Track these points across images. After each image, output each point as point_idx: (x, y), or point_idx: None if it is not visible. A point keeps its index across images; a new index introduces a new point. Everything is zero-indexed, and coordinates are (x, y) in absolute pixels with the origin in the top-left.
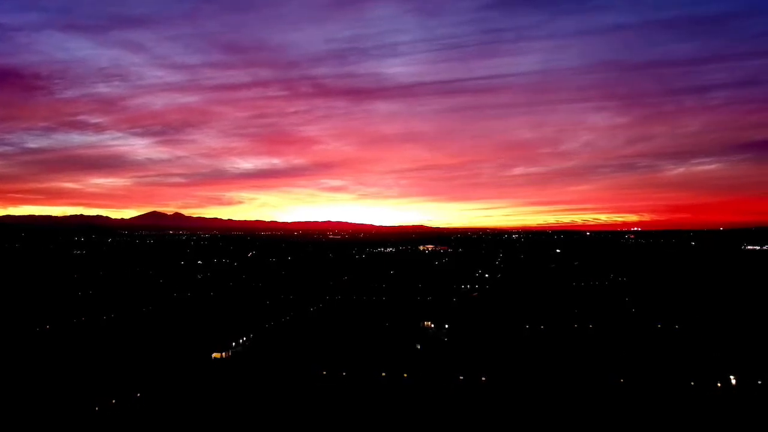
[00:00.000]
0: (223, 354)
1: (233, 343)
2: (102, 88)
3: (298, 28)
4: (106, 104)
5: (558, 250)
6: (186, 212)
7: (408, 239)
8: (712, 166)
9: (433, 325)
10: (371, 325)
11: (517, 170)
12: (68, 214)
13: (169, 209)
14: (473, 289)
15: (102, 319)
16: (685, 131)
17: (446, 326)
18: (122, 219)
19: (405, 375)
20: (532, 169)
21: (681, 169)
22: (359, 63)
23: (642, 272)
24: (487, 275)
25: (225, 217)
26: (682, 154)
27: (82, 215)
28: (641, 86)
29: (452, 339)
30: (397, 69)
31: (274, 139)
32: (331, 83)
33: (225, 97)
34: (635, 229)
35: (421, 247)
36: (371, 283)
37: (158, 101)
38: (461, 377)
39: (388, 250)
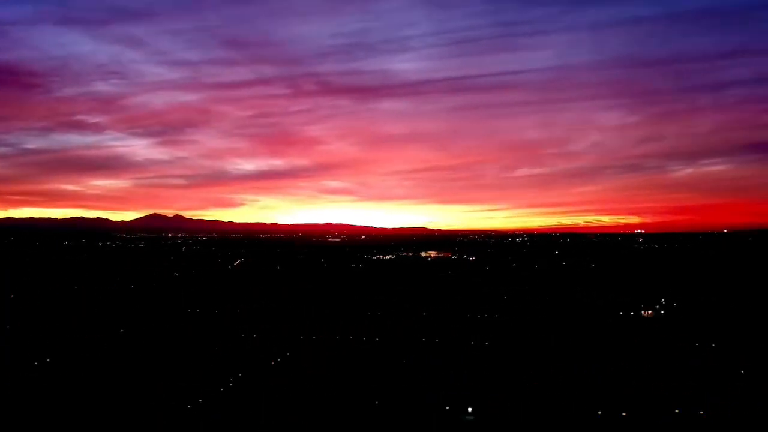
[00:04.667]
0: None
1: None
2: (101, 86)
3: (303, 22)
4: (105, 103)
5: (584, 260)
6: (186, 214)
7: (409, 242)
8: (720, 167)
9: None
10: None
11: (522, 171)
12: (68, 216)
13: (169, 211)
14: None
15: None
16: (697, 131)
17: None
18: (123, 221)
19: None
20: (536, 170)
21: (689, 170)
22: (366, 59)
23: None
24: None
25: (226, 219)
26: (691, 155)
27: (82, 217)
28: (655, 83)
29: None
30: (405, 65)
31: (276, 139)
32: (335, 81)
33: (226, 95)
34: (639, 231)
35: (423, 254)
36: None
37: (158, 100)
38: None
39: (388, 257)
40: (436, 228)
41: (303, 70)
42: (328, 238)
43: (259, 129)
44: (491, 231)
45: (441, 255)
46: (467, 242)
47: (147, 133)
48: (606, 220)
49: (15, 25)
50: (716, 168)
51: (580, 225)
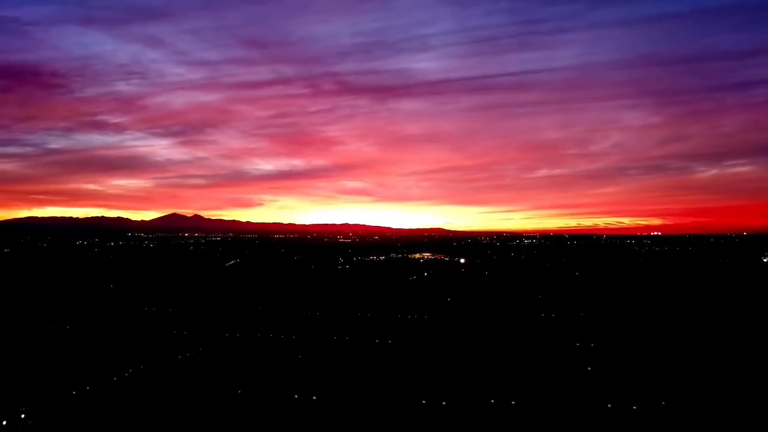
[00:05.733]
0: None
1: None
2: (122, 86)
3: (322, 21)
4: (126, 103)
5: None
6: (205, 214)
7: (416, 244)
8: (746, 168)
9: None
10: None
11: (541, 172)
12: (90, 215)
13: (188, 211)
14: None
15: None
16: (722, 131)
17: None
18: (142, 221)
19: None
20: (557, 171)
21: (713, 171)
22: (385, 58)
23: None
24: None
25: (244, 219)
26: (716, 156)
27: (103, 217)
28: (680, 82)
29: None
30: (424, 65)
31: (294, 139)
32: (355, 80)
33: (246, 95)
34: (654, 233)
35: (417, 255)
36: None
37: (178, 100)
38: None
39: (380, 258)
40: (453, 229)
41: (322, 69)
42: (339, 238)
43: (278, 129)
44: (508, 232)
45: (433, 257)
46: (473, 244)
47: (167, 133)
48: (626, 221)
49: (37, 26)
50: (742, 169)
51: (600, 227)
